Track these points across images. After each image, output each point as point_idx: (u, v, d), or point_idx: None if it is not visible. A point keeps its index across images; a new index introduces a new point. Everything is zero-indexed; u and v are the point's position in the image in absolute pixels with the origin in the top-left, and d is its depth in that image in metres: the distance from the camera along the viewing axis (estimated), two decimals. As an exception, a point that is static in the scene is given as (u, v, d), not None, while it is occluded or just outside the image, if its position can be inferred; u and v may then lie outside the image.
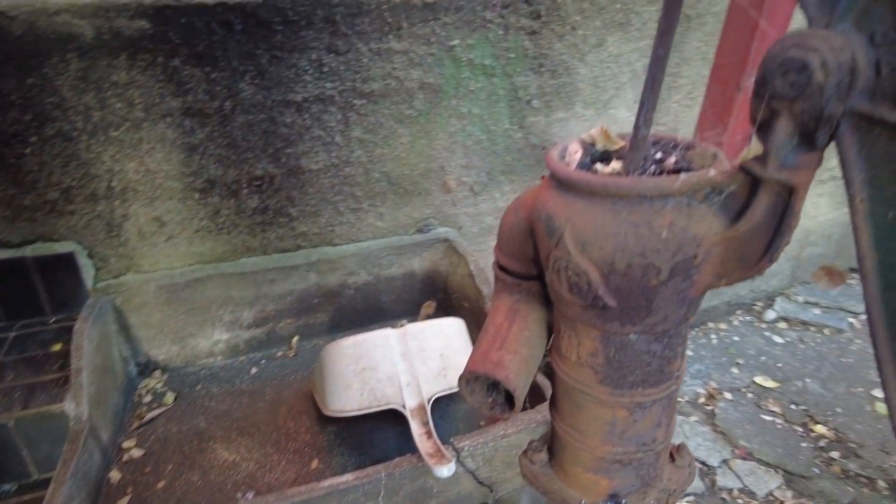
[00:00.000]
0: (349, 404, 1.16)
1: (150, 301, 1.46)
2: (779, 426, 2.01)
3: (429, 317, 1.70)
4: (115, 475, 1.20)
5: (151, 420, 1.37)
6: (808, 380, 2.21)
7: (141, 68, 1.28)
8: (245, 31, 1.31)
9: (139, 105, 1.32)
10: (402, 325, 1.29)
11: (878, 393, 2.12)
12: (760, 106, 0.42)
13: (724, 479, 1.81)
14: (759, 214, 0.48)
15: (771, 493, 1.76)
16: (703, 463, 1.87)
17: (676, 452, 0.75)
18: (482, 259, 1.81)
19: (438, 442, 1.03)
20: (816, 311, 2.58)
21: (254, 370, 1.55)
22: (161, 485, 1.19)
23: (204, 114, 1.37)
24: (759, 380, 2.23)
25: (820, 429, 1.99)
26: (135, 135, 1.34)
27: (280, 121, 1.45)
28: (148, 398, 1.45)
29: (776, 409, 2.09)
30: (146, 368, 1.52)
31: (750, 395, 2.16)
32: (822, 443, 1.94)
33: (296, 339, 1.63)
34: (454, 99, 1.58)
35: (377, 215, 1.65)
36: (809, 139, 0.42)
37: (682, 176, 0.50)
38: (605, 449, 0.65)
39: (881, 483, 1.77)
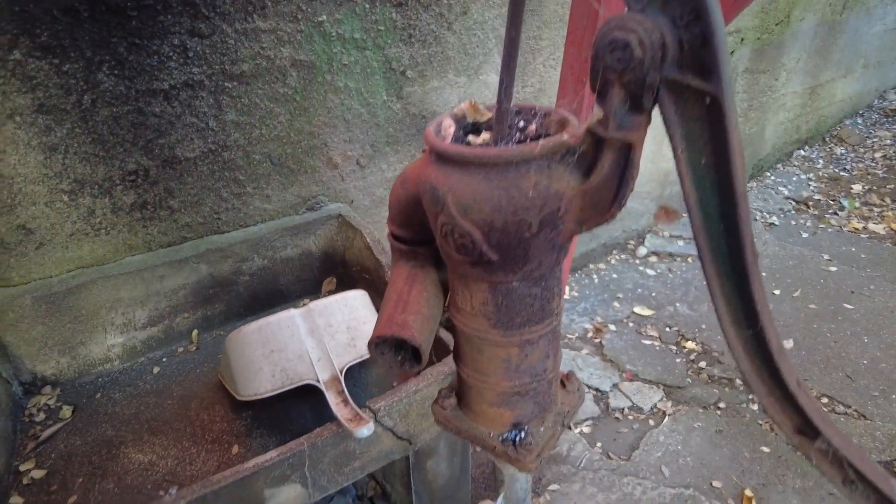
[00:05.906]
0: (262, 387, 1.18)
1: (27, 315, 1.36)
2: (657, 348, 2.27)
3: (330, 293, 1.73)
4: (16, 501, 1.15)
5: (49, 437, 1.30)
6: (678, 304, 2.50)
7: (-22, 65, 1.17)
8: (94, 18, 1.23)
9: (-19, 106, 1.21)
10: (304, 304, 1.31)
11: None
12: (597, 78, 0.51)
13: (615, 401, 2.03)
14: (606, 168, 0.57)
15: (655, 406, 2.01)
16: (597, 389, 2.08)
17: (566, 379, 0.86)
18: (377, 230, 1.85)
19: (355, 407, 1.08)
20: (681, 242, 2.90)
21: (156, 369, 1.51)
22: (73, 499, 1.15)
23: (60, 110, 1.27)
24: (637, 310, 2.48)
25: (690, 345, 2.27)
26: (-19, 139, 1.23)
27: (148, 111, 1.38)
28: (41, 416, 1.37)
29: (654, 333, 2.35)
30: (33, 386, 1.43)
31: (631, 324, 2.41)
32: (692, 356, 2.22)
33: (195, 332, 1.60)
34: (328, 74, 1.58)
35: (263, 198, 1.64)
36: (638, 104, 0.51)
37: (541, 142, 0.58)
38: (504, 384, 0.74)
39: (738, 381, 2.08)
